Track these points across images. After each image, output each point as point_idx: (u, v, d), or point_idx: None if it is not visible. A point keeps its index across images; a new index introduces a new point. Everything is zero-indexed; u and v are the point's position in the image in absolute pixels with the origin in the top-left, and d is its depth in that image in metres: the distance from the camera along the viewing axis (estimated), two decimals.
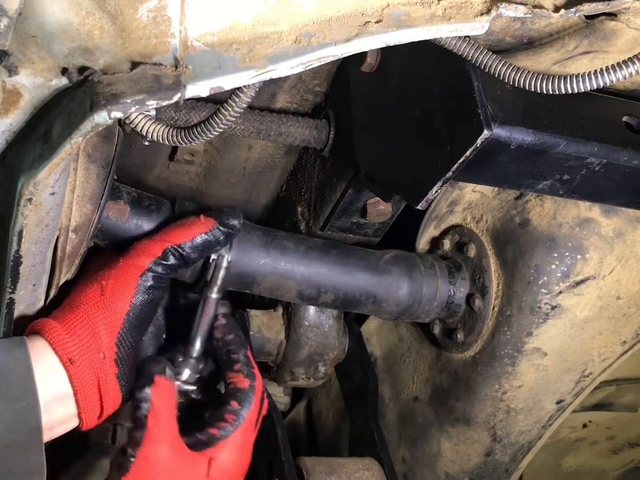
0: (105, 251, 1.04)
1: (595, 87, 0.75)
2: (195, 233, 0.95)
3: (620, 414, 1.82)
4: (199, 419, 0.98)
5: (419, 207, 0.93)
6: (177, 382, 0.97)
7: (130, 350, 0.91)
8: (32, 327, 0.88)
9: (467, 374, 1.22)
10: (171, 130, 0.78)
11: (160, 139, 0.78)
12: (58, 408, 0.86)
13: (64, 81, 0.68)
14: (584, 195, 0.97)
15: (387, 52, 1.00)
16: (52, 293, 0.91)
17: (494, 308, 1.15)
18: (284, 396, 1.73)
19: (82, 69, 0.67)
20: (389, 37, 0.71)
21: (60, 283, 0.93)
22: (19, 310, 0.86)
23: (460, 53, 0.79)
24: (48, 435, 0.85)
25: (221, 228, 0.97)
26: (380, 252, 1.20)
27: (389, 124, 1.02)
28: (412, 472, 1.39)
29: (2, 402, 0.79)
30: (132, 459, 0.86)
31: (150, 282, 0.92)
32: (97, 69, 0.67)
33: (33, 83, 0.68)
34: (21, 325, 0.89)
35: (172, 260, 0.93)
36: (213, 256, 1.02)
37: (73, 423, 0.89)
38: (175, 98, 0.65)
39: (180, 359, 1.00)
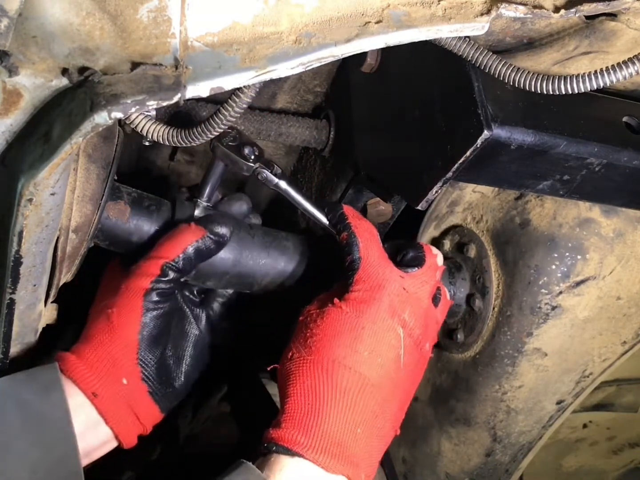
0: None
1: (595, 87, 0.75)
2: (187, 243, 0.96)
3: (620, 414, 1.82)
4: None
5: (419, 208, 0.93)
6: None
7: (155, 365, 0.94)
8: (56, 361, 0.91)
9: (467, 374, 1.22)
10: (171, 130, 0.78)
11: (160, 139, 0.78)
12: (92, 435, 0.89)
13: (64, 81, 0.68)
14: (584, 195, 0.97)
15: (387, 53, 1.00)
16: (52, 293, 0.91)
17: (494, 308, 1.15)
18: None
19: (82, 70, 0.67)
20: (389, 38, 0.71)
21: (61, 283, 0.93)
22: (19, 310, 0.86)
23: (460, 53, 0.79)
24: (87, 460, 0.89)
25: (212, 237, 0.97)
26: None
27: (389, 125, 1.02)
28: (412, 472, 1.39)
29: (42, 448, 0.81)
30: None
31: (155, 299, 0.94)
32: (97, 70, 0.67)
33: (33, 83, 0.68)
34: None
35: (171, 275, 0.95)
36: None
37: (111, 445, 0.93)
38: (176, 98, 0.65)
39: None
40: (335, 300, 0.90)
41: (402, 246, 1.00)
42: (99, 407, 0.89)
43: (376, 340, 0.86)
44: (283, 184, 1.02)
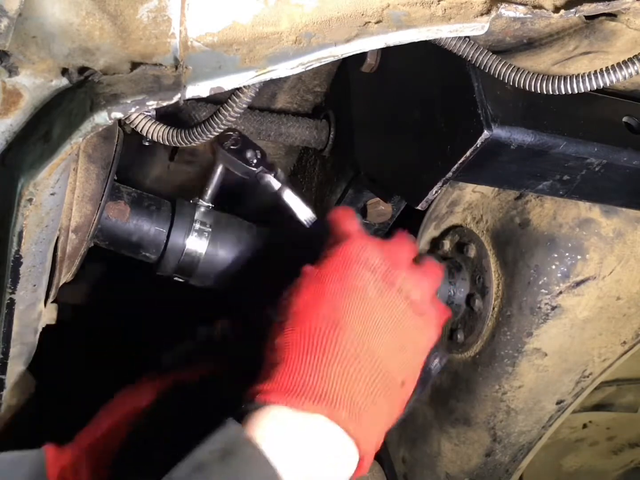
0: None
1: (595, 87, 0.75)
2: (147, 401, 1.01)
3: (620, 415, 1.81)
4: None
5: (419, 208, 0.93)
6: None
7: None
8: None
9: (467, 375, 1.22)
10: (171, 130, 0.78)
11: (160, 140, 0.78)
12: None
13: (64, 82, 0.68)
14: (584, 195, 0.97)
15: (387, 53, 1.00)
16: (52, 293, 0.91)
17: (494, 308, 1.15)
18: None
19: (82, 70, 0.67)
20: (389, 38, 0.71)
21: (61, 283, 0.93)
22: (19, 310, 0.86)
23: (460, 53, 0.79)
24: None
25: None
26: None
27: (389, 125, 1.02)
28: (412, 472, 1.39)
29: None
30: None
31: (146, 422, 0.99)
32: (97, 70, 0.67)
33: (33, 83, 0.68)
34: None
35: None
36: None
37: None
38: (175, 98, 0.65)
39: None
40: (302, 268, 0.88)
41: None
42: None
43: (341, 284, 0.83)
44: (285, 190, 1.02)
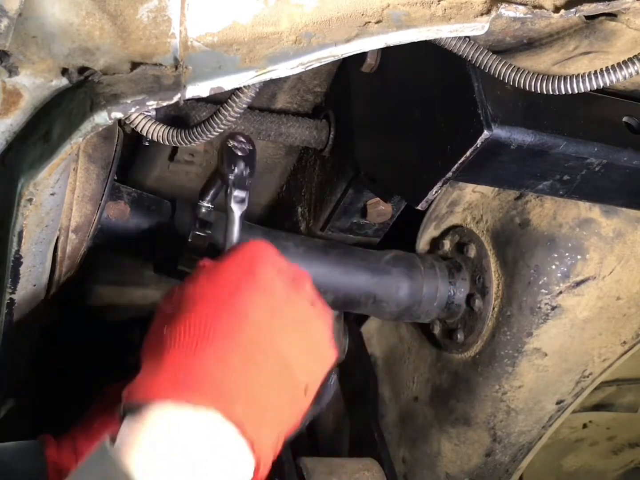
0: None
1: (595, 87, 0.75)
2: None
3: (620, 414, 1.82)
4: None
5: (419, 208, 0.93)
6: None
7: None
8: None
9: (467, 375, 1.22)
10: (171, 130, 0.78)
11: (160, 139, 0.78)
12: None
13: (64, 82, 0.68)
14: (584, 195, 0.97)
15: (387, 53, 1.00)
16: (52, 293, 0.91)
17: (494, 308, 1.15)
18: None
19: (82, 70, 0.67)
20: (389, 38, 0.71)
21: (61, 283, 0.93)
22: (19, 310, 0.86)
23: (460, 53, 0.79)
24: None
25: None
26: (380, 252, 1.20)
27: (389, 125, 1.02)
28: (412, 472, 1.39)
29: None
30: None
31: None
32: (97, 70, 0.67)
33: (33, 83, 0.68)
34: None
35: None
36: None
37: None
38: (175, 98, 0.65)
39: None
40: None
41: None
42: None
43: (244, 276, 0.74)
44: (233, 213, 0.94)
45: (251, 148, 0.96)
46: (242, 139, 0.96)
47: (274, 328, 0.72)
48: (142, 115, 0.77)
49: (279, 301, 0.75)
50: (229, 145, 0.96)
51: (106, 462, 0.61)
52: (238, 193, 0.94)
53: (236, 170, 0.94)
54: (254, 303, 0.72)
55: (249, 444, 0.64)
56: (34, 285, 0.85)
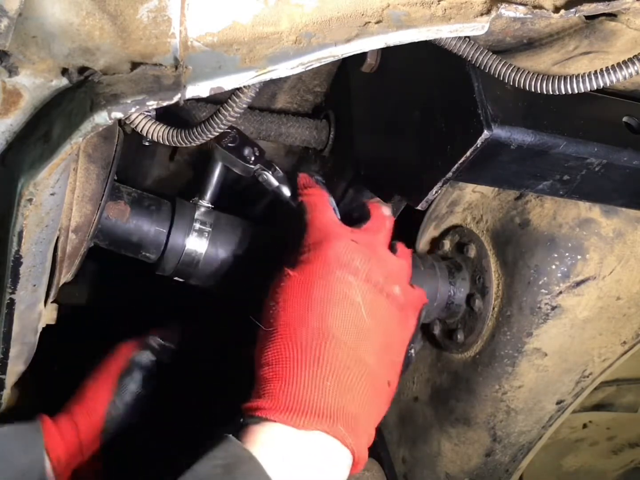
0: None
1: (595, 87, 0.75)
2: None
3: (620, 414, 1.82)
4: None
5: (419, 208, 0.93)
6: None
7: (120, 438, 1.01)
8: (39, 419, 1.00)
9: (467, 375, 1.22)
10: (171, 130, 0.78)
11: (160, 140, 0.78)
12: None
13: (64, 82, 0.68)
14: (584, 195, 0.97)
15: (387, 53, 1.00)
16: (52, 293, 0.91)
17: (494, 308, 1.15)
18: None
19: (82, 70, 0.67)
20: (389, 38, 0.71)
21: (61, 283, 0.93)
22: (19, 310, 0.86)
23: (460, 53, 0.79)
24: None
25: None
26: None
27: (389, 125, 1.02)
28: (412, 472, 1.39)
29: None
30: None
31: (128, 381, 1.05)
32: (97, 70, 0.67)
33: (33, 83, 0.68)
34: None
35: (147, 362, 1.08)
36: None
37: None
38: (175, 98, 0.65)
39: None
40: (285, 269, 0.88)
41: (352, 209, 1.02)
42: (57, 470, 0.96)
43: (327, 292, 0.85)
44: (283, 187, 1.02)
45: (235, 131, 0.99)
46: (224, 135, 0.99)
47: (356, 339, 0.84)
48: (142, 115, 0.77)
49: (358, 310, 0.86)
50: (223, 147, 0.98)
51: (233, 449, 0.75)
52: (270, 172, 1.00)
53: (252, 157, 0.98)
54: (336, 320, 0.84)
55: (350, 451, 0.80)
56: (34, 285, 0.85)
